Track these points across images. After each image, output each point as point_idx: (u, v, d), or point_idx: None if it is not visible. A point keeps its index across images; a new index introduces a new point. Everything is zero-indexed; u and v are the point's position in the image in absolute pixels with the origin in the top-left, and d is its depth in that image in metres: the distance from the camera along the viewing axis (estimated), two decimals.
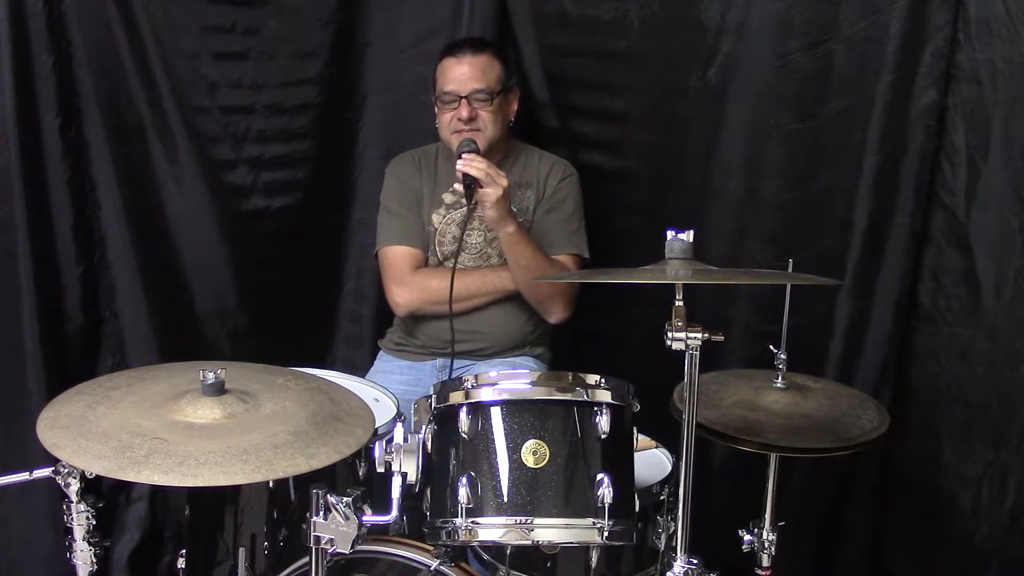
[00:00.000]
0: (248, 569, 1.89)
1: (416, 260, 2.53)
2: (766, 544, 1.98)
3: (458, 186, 2.31)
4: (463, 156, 2.30)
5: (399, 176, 2.59)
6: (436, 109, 2.52)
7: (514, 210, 2.44)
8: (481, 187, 2.26)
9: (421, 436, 1.74)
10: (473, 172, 2.26)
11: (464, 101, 2.42)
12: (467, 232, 2.51)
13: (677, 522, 1.67)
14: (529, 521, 1.62)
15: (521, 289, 2.45)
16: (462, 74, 2.44)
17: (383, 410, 2.10)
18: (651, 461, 2.06)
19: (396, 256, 2.52)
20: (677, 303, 1.60)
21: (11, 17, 2.26)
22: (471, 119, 2.42)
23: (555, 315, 2.50)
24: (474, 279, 2.46)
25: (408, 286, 2.50)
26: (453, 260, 2.44)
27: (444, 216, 2.54)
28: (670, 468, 2.02)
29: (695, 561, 1.65)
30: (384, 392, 2.22)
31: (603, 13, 2.56)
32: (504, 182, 2.27)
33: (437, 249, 2.54)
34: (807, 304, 2.17)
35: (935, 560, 2.28)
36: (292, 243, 2.84)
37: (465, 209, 2.42)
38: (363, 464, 1.93)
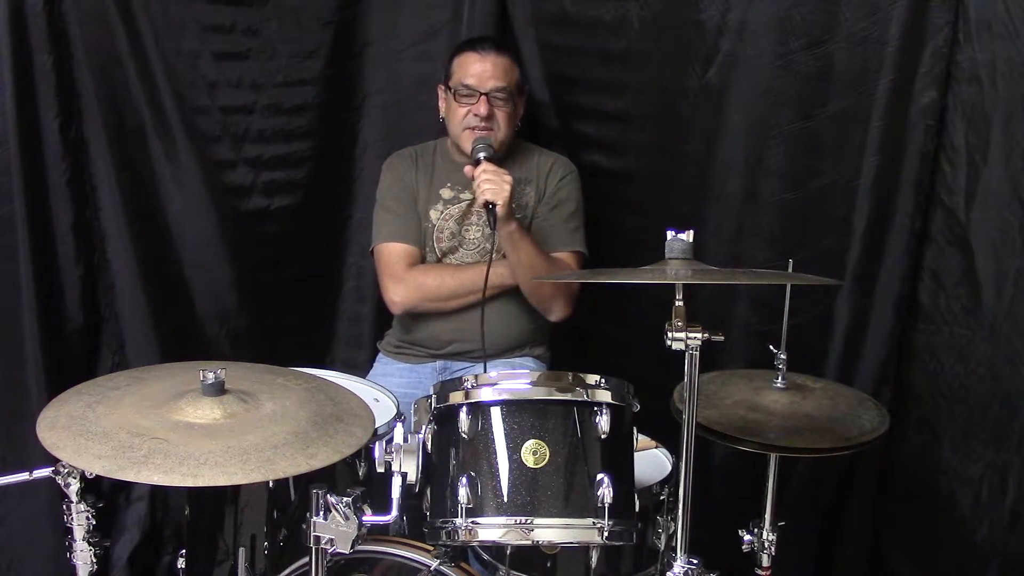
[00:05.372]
0: (248, 569, 1.89)
1: (412, 257, 2.51)
2: (766, 544, 1.98)
3: (467, 175, 2.33)
4: (476, 167, 2.30)
5: (396, 172, 2.58)
6: (444, 101, 2.51)
7: (514, 206, 2.43)
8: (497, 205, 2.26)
9: (421, 436, 1.74)
10: (489, 196, 2.25)
11: (484, 98, 2.42)
12: (465, 227, 2.51)
13: (677, 522, 1.67)
14: (529, 521, 1.62)
15: (523, 288, 2.44)
16: (484, 71, 2.44)
17: (383, 410, 2.10)
18: (651, 461, 2.07)
19: (392, 253, 2.51)
20: (677, 303, 1.60)
21: (11, 17, 2.26)
22: (488, 117, 2.42)
23: (556, 314, 2.50)
24: (470, 274, 2.43)
25: (404, 283, 2.48)
26: (489, 256, 2.37)
27: (442, 212, 2.53)
28: (670, 468, 2.02)
29: (695, 561, 1.65)
30: (384, 392, 2.22)
31: (603, 13, 2.56)
32: (508, 183, 2.27)
33: (435, 245, 2.52)
34: (807, 304, 2.17)
35: (935, 560, 2.28)
36: (292, 243, 2.84)
37: (464, 204, 2.44)
38: (363, 464, 1.93)
